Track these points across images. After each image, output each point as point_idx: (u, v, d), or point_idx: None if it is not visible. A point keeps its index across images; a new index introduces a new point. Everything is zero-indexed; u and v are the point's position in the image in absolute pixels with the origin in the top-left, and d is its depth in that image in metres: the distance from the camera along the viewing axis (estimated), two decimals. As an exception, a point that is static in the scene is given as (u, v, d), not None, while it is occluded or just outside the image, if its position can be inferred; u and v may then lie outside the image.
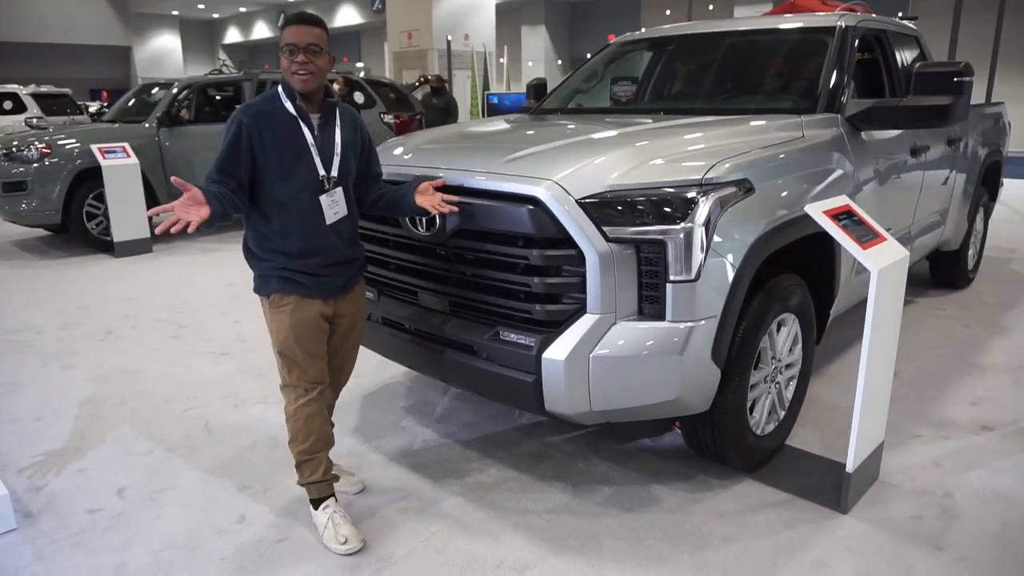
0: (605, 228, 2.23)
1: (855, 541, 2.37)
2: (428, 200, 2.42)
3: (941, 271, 5.15)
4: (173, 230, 2.00)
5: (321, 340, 2.40)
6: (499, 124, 3.58)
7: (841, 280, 3.03)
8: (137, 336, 4.57)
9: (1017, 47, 14.71)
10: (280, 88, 2.31)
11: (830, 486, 2.64)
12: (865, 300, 3.52)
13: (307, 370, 2.37)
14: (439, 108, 10.86)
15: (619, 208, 2.25)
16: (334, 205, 2.34)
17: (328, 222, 2.32)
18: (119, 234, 6.78)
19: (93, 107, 16.57)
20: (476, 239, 2.48)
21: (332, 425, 2.59)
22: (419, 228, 2.58)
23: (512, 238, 2.38)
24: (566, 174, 2.31)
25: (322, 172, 2.31)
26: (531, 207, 2.28)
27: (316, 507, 2.47)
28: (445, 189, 2.51)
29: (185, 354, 4.22)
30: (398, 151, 2.97)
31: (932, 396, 3.47)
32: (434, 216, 2.50)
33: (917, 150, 3.72)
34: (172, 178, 2.16)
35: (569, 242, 2.25)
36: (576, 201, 2.25)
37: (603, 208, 2.25)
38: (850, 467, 2.49)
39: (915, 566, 2.25)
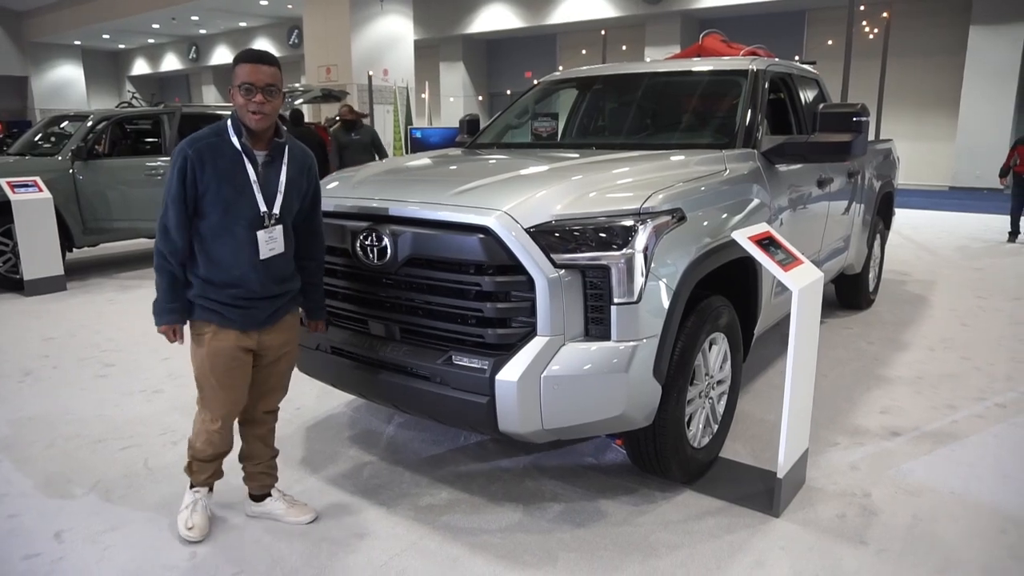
0: (552, 255, 2.37)
1: (788, 541, 2.56)
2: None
3: (846, 293, 5.57)
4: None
5: (237, 372, 2.45)
6: (442, 158, 3.70)
7: (763, 301, 3.28)
8: (60, 376, 4.38)
9: (899, 88, 16.11)
10: (229, 121, 2.37)
11: (762, 492, 2.84)
12: (780, 323, 3.85)
13: (213, 402, 2.46)
14: (362, 145, 8.97)
15: (565, 236, 2.40)
16: (271, 241, 2.41)
17: (262, 257, 2.39)
18: (30, 272, 6.47)
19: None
20: (427, 267, 2.57)
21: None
22: (370, 258, 2.65)
23: (463, 266, 2.49)
24: (514, 205, 2.44)
25: (263, 208, 2.37)
26: (482, 236, 2.40)
27: (191, 487, 2.64)
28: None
29: (115, 393, 4.09)
30: (348, 183, 3.04)
31: (845, 407, 3.76)
32: (385, 245, 2.58)
33: (823, 182, 4.07)
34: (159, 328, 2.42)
35: (519, 268, 2.38)
36: (525, 230, 2.39)
37: (550, 236, 2.40)
38: (780, 473, 2.68)
39: (843, 560, 2.45)
